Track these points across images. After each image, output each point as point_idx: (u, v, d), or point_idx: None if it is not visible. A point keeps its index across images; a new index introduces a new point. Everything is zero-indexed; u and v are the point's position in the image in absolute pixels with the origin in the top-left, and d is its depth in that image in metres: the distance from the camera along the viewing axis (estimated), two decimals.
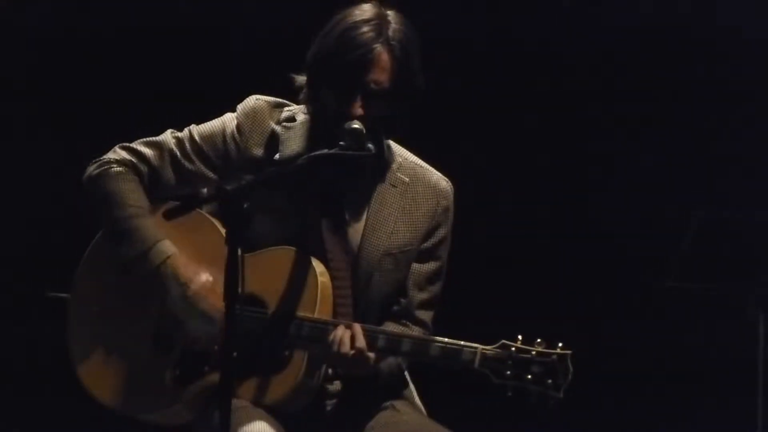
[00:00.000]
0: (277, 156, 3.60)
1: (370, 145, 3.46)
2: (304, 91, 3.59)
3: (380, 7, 3.55)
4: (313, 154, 3.43)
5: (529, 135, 5.47)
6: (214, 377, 3.46)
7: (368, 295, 3.59)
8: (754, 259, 5.07)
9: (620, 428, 5.43)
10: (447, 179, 3.72)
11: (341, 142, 3.43)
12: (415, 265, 3.65)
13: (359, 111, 3.48)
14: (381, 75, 3.49)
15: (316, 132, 3.60)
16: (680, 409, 5.37)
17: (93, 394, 3.62)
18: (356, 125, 3.45)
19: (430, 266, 3.67)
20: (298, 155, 3.55)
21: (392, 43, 3.49)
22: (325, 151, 3.43)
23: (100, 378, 3.62)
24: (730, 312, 5.25)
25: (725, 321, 5.31)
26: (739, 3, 5.40)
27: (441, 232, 3.68)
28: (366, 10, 3.53)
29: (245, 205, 3.10)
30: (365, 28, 3.48)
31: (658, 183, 5.46)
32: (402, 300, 3.63)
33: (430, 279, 3.67)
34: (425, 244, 3.66)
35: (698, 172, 5.42)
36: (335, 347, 3.41)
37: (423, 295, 3.66)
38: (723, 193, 5.36)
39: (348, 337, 3.42)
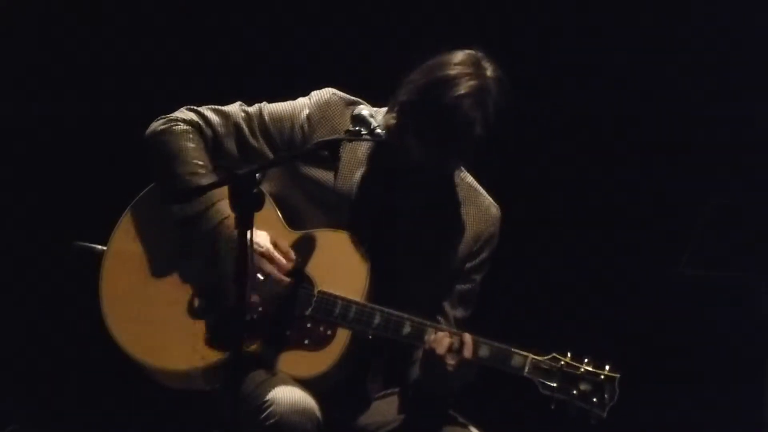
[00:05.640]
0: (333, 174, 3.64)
1: (379, 131, 3.50)
2: (392, 122, 3.56)
3: (479, 64, 3.50)
4: (323, 140, 3.52)
5: (543, 123, 5.45)
6: (248, 346, 3.51)
7: (404, 307, 3.60)
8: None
9: (628, 415, 5.45)
10: (497, 206, 3.76)
11: (349, 128, 3.52)
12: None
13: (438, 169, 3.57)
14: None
15: (379, 160, 3.64)
16: (690, 396, 5.40)
17: (118, 340, 3.62)
18: (365, 111, 3.53)
19: (465, 287, 3.72)
20: (351, 180, 3.62)
21: (489, 121, 3.48)
22: (337, 136, 3.53)
23: (128, 328, 3.61)
24: (743, 299, 5.28)
25: (737, 308, 5.34)
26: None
27: (482, 257, 3.73)
28: (465, 73, 3.47)
29: (255, 190, 3.13)
30: (467, 103, 3.44)
31: (673, 169, 5.47)
32: (439, 317, 3.67)
33: (462, 299, 3.72)
34: (466, 265, 3.70)
35: (713, 159, 5.42)
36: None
37: (456, 313, 3.71)
38: (737, 180, 5.37)
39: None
